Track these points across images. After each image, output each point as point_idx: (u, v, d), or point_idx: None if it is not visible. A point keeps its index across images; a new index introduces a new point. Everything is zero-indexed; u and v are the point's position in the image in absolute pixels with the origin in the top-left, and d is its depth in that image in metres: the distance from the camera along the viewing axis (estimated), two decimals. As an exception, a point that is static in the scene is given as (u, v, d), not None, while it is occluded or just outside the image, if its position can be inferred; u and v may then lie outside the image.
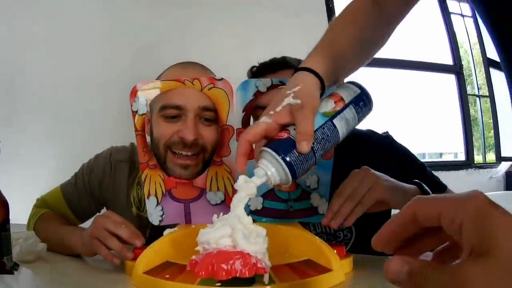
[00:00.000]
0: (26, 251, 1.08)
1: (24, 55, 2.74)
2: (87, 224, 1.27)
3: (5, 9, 2.64)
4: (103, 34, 2.89)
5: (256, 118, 1.24)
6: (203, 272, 0.76)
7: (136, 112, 1.08)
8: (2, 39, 2.64)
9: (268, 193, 1.08)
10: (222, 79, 1.08)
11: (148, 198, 1.10)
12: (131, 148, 1.42)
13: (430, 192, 1.10)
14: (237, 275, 0.75)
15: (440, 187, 1.35)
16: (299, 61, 1.32)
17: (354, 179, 1.03)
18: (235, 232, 0.79)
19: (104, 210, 1.45)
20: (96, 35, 2.89)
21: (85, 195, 1.42)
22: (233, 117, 1.08)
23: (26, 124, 2.74)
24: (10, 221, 0.90)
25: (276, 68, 1.30)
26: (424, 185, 1.11)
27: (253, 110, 1.11)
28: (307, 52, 1.20)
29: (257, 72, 1.33)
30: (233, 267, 0.75)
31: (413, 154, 1.41)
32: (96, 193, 1.42)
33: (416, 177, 1.32)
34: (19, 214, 1.19)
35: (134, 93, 1.07)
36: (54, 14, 2.78)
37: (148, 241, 1.00)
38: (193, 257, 0.80)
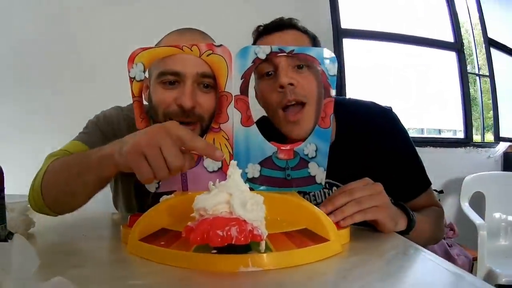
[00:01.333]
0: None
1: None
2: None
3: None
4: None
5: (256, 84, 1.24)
6: (199, 238, 0.75)
7: (134, 78, 1.06)
8: None
9: (266, 161, 1.08)
10: (221, 45, 1.06)
11: (145, 165, 1.08)
12: None
13: (415, 218, 1.10)
14: (233, 242, 0.74)
15: (425, 182, 1.38)
16: (305, 29, 1.31)
17: (368, 189, 1.03)
18: (232, 199, 0.78)
19: None
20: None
21: (101, 137, 1.32)
22: (232, 84, 1.07)
23: (26, 96, 2.73)
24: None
25: (283, 27, 1.29)
26: (409, 210, 1.12)
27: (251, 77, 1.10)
28: (305, 19, 1.21)
29: (264, 30, 1.32)
30: (228, 233, 0.74)
31: (411, 138, 1.41)
32: (110, 137, 1.28)
33: (405, 162, 1.33)
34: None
35: (132, 59, 1.06)
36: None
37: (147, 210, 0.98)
38: (189, 223, 0.79)
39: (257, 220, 0.78)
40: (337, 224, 0.97)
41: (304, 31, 1.31)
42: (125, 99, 1.20)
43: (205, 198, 0.79)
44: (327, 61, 1.06)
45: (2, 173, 0.82)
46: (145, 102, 1.15)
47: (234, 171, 0.82)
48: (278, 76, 1.18)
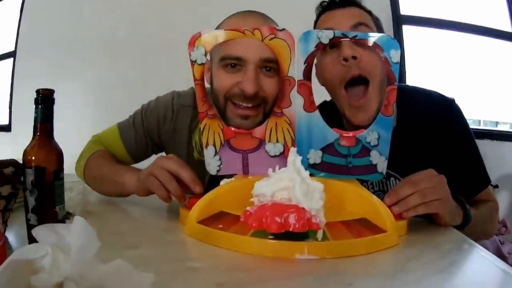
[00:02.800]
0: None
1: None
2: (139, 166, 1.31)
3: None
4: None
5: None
6: (256, 224, 0.76)
7: (195, 61, 1.05)
8: None
9: (328, 147, 1.06)
10: (283, 29, 1.04)
11: (206, 147, 1.08)
12: (194, 92, 1.41)
13: (471, 214, 1.09)
14: (290, 229, 0.74)
15: (486, 180, 1.33)
16: (368, 9, 1.28)
17: (432, 181, 1.00)
18: (292, 186, 0.78)
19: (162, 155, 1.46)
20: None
21: (142, 135, 1.41)
22: (295, 68, 1.04)
23: (79, 72, 2.78)
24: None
25: (347, 4, 1.25)
26: (467, 205, 1.09)
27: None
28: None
29: (328, 5, 1.28)
30: (287, 220, 0.74)
31: (472, 134, 1.34)
32: (154, 135, 1.41)
33: (466, 158, 1.29)
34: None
35: (192, 42, 1.05)
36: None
37: (206, 191, 0.99)
38: (248, 208, 0.80)
39: (316, 208, 0.77)
40: (399, 215, 0.95)
41: (368, 11, 1.28)
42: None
43: (264, 185, 0.80)
44: (390, 48, 1.02)
45: (62, 155, 0.83)
46: (207, 85, 1.15)
47: (295, 158, 0.82)
48: (342, 48, 1.15)
